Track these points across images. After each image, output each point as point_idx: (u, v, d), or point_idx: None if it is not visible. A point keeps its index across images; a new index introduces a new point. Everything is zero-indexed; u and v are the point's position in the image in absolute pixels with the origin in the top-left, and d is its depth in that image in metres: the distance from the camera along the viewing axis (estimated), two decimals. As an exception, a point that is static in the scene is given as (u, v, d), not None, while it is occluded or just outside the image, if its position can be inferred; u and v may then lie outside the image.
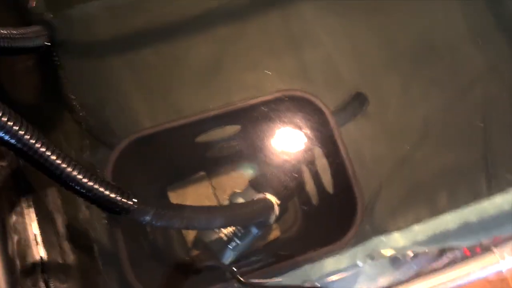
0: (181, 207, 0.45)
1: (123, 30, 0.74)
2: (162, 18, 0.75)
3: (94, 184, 0.40)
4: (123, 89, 0.72)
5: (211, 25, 0.76)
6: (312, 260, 0.49)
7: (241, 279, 0.42)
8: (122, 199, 0.41)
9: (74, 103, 0.63)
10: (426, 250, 0.45)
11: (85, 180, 0.39)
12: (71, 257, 0.46)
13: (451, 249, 0.43)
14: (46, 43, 0.56)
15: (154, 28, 0.75)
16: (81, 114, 0.66)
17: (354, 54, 0.76)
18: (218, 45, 0.76)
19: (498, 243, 0.35)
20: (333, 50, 0.76)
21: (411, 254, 0.44)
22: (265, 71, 0.74)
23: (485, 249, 0.34)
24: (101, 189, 0.40)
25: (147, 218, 0.43)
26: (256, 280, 0.44)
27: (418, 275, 0.40)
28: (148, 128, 0.49)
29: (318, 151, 0.57)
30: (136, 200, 0.42)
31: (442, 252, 0.43)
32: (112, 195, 0.41)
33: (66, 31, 0.68)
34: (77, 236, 0.49)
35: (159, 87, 0.73)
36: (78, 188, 0.39)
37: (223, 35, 0.76)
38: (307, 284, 0.48)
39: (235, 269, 0.43)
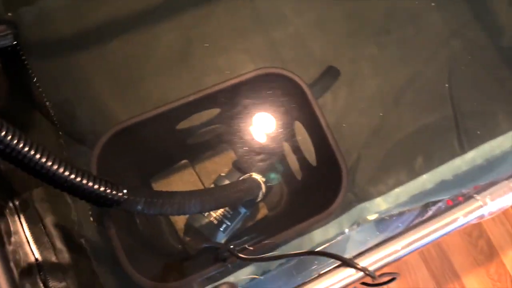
0: (171, 193, 0.45)
1: (87, 24, 0.72)
2: (126, 8, 0.74)
3: (82, 180, 0.39)
4: (94, 84, 0.70)
5: (177, 11, 0.75)
6: (301, 233, 0.50)
7: (241, 255, 0.43)
8: (112, 192, 0.41)
9: (46, 102, 0.62)
10: (409, 208, 0.47)
11: (72, 176, 0.39)
12: (65, 256, 0.46)
13: (434, 202, 0.45)
14: (12, 42, 0.54)
15: (119, 19, 0.74)
16: (53, 113, 0.65)
17: (321, 28, 0.77)
18: (186, 30, 0.75)
19: (479, 190, 0.37)
20: (300, 26, 0.76)
21: (396, 213, 0.46)
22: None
23: (468, 198, 0.37)
24: (90, 184, 0.40)
25: (139, 207, 0.43)
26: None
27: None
28: (129, 119, 0.48)
29: (298, 126, 0.58)
30: (126, 191, 0.42)
31: (426, 207, 0.45)
32: (102, 189, 0.41)
33: (28, 30, 0.66)
34: (69, 235, 0.48)
35: (131, 78, 0.72)
36: (66, 185, 0.39)
37: (190, 20, 0.75)
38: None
39: (232, 247, 0.44)
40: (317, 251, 0.41)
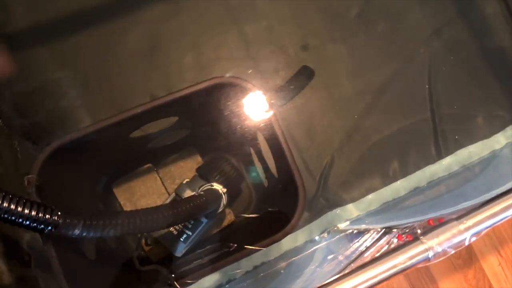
0: (114, 214, 0.43)
1: (47, 15, 0.68)
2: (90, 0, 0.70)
3: (9, 205, 0.37)
4: (54, 80, 0.67)
5: (145, 3, 0.71)
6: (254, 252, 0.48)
7: (178, 287, 0.40)
8: (45, 216, 0.38)
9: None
10: (370, 227, 0.44)
11: (-3, 202, 0.36)
12: (4, 272, 0.43)
13: (390, 231, 0.42)
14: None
15: (82, 11, 0.70)
16: (7, 113, 0.62)
17: (296, 24, 0.73)
18: (154, 24, 0.71)
19: (428, 231, 0.34)
20: (274, 20, 0.72)
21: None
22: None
23: (415, 239, 0.34)
24: (18, 209, 0.37)
25: (76, 231, 0.40)
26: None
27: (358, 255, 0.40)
28: (71, 133, 0.45)
29: (260, 135, 0.55)
30: (60, 214, 0.39)
31: (382, 235, 0.43)
32: (33, 213, 0.38)
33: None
34: (10, 248, 0.46)
35: (94, 75, 0.69)
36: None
37: (157, 14, 0.71)
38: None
39: (173, 276, 0.42)
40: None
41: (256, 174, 0.66)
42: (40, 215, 0.38)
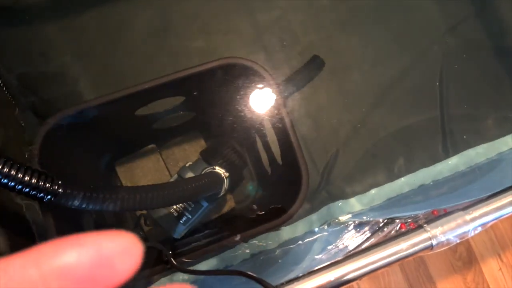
0: (115, 188, 0.42)
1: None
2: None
3: (9, 170, 0.36)
4: (61, 59, 0.67)
5: (156, -15, 0.71)
6: (252, 236, 0.47)
7: (175, 263, 0.40)
8: (46, 184, 0.38)
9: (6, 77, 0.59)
10: (371, 219, 0.43)
11: (-2, 166, 0.36)
12: (1, 243, 0.43)
13: (392, 221, 0.42)
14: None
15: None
16: (16, 88, 0.62)
17: (310, 14, 0.72)
18: (165, 7, 0.71)
19: (431, 220, 0.34)
20: (287, 9, 0.72)
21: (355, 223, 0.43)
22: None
23: (419, 227, 0.33)
24: (19, 175, 0.37)
25: (76, 202, 0.40)
26: (192, 263, 0.43)
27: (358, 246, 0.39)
28: (76, 105, 0.45)
29: (267, 121, 0.54)
30: (61, 183, 0.39)
31: (383, 226, 0.42)
32: (33, 180, 0.38)
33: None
34: (10, 218, 0.46)
35: (102, 55, 0.69)
36: (-8, 175, 0.36)
37: (169, -4, 0.71)
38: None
39: (170, 252, 0.41)
40: (250, 275, 0.38)
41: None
42: (40, 183, 0.38)
